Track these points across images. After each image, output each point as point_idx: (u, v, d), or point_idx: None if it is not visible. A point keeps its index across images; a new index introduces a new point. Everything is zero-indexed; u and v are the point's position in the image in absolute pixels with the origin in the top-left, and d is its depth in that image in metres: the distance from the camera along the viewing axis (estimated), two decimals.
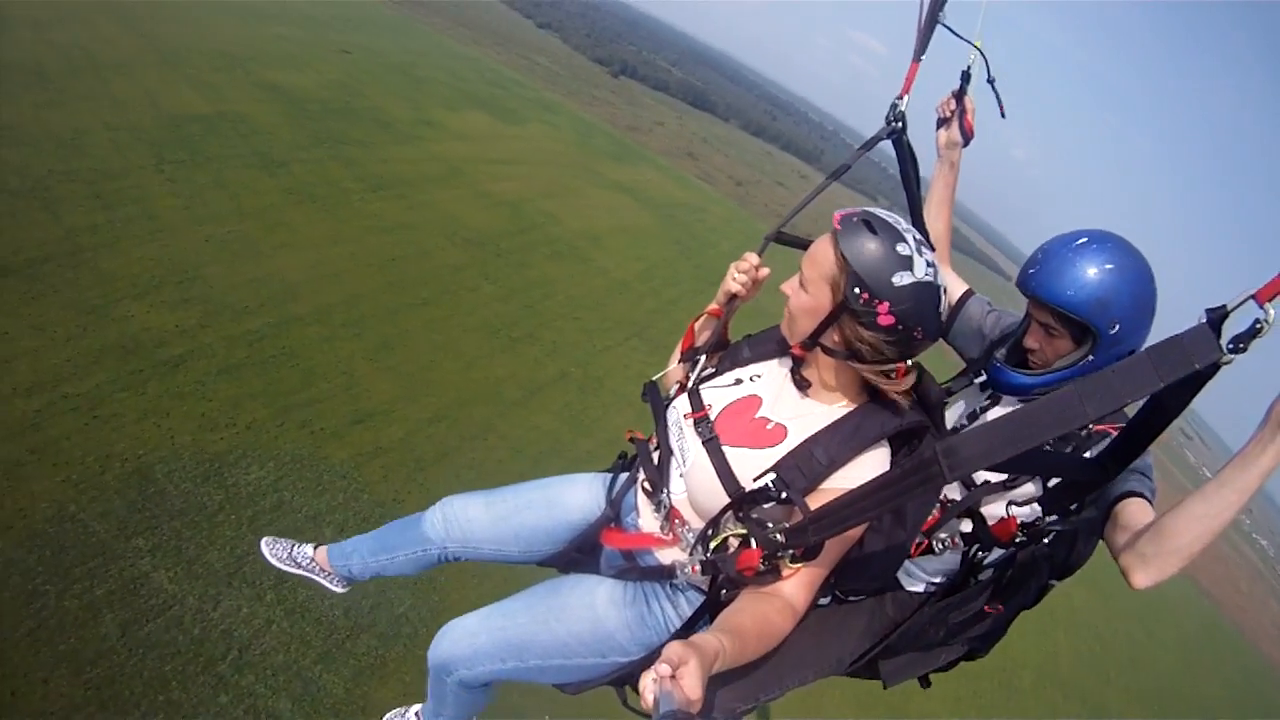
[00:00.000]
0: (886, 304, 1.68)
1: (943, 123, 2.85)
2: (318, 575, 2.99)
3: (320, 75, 22.21)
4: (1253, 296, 1.24)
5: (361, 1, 37.89)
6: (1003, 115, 2.74)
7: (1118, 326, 2.06)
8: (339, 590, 3.00)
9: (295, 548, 3.06)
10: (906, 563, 2.40)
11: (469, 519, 2.48)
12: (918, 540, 2.26)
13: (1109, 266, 2.06)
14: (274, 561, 3.04)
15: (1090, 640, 19.23)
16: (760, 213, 43.14)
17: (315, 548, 3.06)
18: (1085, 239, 2.13)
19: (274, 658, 7.24)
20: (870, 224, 1.71)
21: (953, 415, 2.52)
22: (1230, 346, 1.23)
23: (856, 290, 1.68)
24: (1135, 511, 2.00)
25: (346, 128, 19.44)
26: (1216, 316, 1.25)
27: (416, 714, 2.74)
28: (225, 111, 16.93)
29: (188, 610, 7.30)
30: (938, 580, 2.42)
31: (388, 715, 2.87)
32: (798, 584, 1.77)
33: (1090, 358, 2.11)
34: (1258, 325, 1.23)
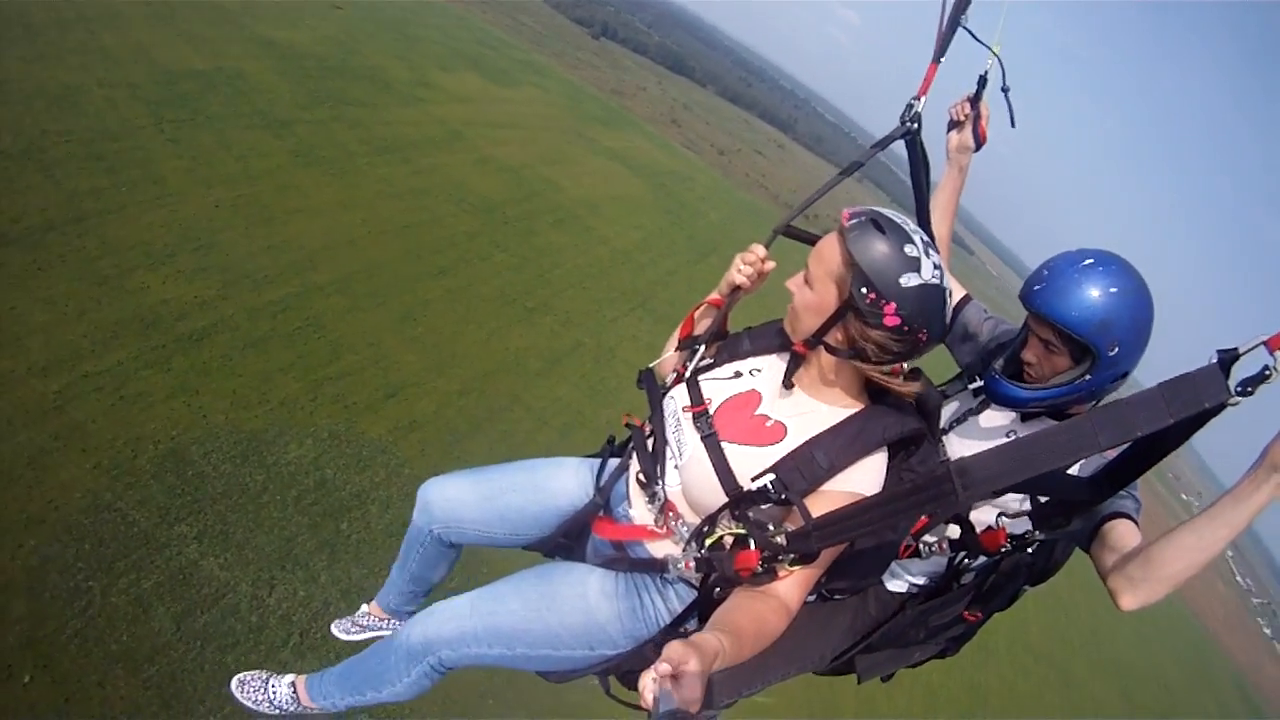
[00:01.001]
0: (893, 305, 1.63)
1: (954, 126, 2.75)
2: (381, 629, 2.93)
3: (315, 31, 21.29)
4: (1265, 343, 1.24)
5: None
6: (1013, 125, 2.68)
7: (1117, 349, 2.04)
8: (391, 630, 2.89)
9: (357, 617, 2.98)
10: (891, 563, 2.35)
11: (449, 498, 2.37)
12: (905, 543, 2.22)
13: (1113, 290, 2.03)
14: (341, 635, 2.95)
15: (1056, 610, 20.31)
16: (743, 183, 43.06)
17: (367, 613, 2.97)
18: (1091, 260, 2.10)
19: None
20: (879, 224, 1.66)
21: (943, 416, 2.46)
22: (1238, 389, 1.23)
23: (863, 290, 1.64)
24: (1124, 533, 1.98)
25: (346, 86, 18.71)
26: (1227, 358, 1.24)
27: (292, 685, 2.52)
28: (223, 67, 16.09)
29: (242, 597, 6.95)
30: (920, 582, 2.40)
31: (238, 677, 2.55)
32: (792, 584, 1.72)
33: (1087, 377, 2.09)
34: (1267, 372, 1.23)
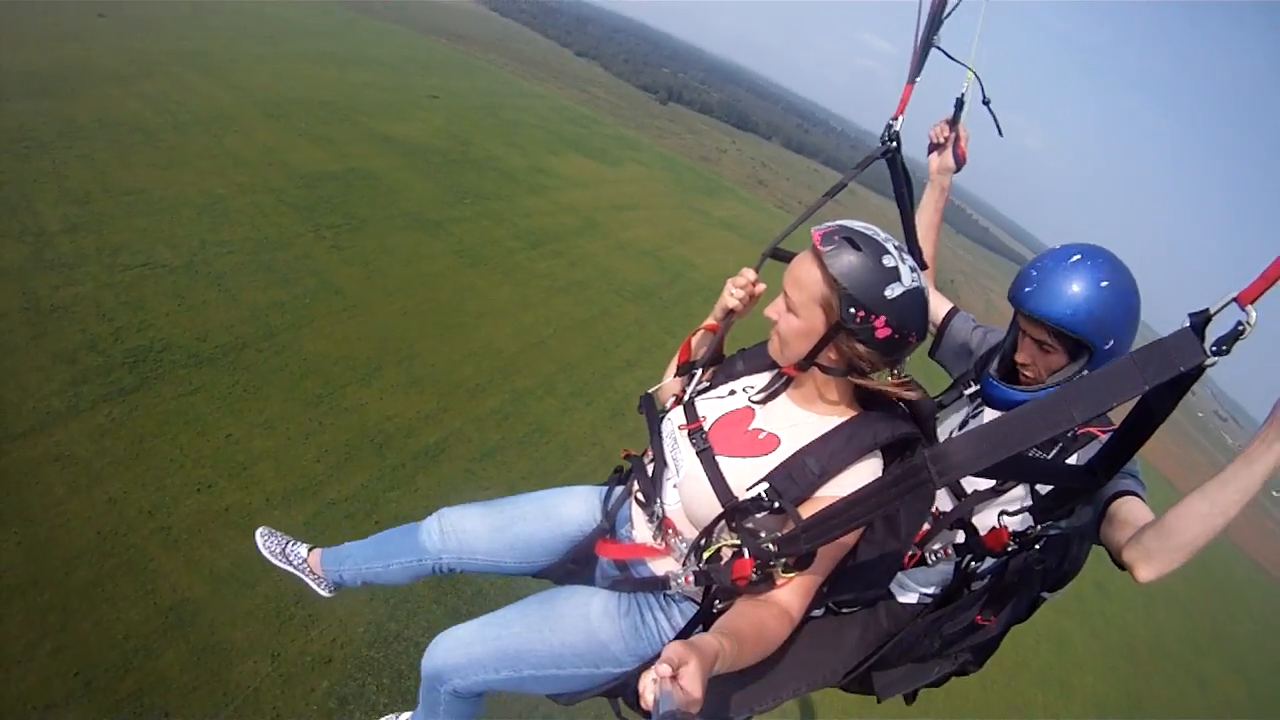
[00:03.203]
0: (883, 318, 1.80)
1: (935, 148, 2.98)
2: (306, 576, 3.19)
3: (425, 124, 22.53)
4: (1235, 300, 1.31)
5: (427, 44, 38.69)
6: (1000, 134, 2.89)
7: (1113, 342, 2.22)
8: (325, 594, 3.22)
9: (290, 545, 3.29)
10: (899, 574, 2.54)
11: (464, 530, 2.60)
12: (910, 552, 2.41)
13: (1104, 284, 2.21)
14: (265, 554, 3.26)
15: (1182, 618, 22.55)
16: None
17: (310, 549, 3.28)
18: (1078, 255, 2.27)
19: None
20: (853, 240, 1.82)
21: (944, 430, 2.69)
22: (1214, 349, 1.31)
23: (852, 310, 1.81)
24: (1134, 509, 2.10)
25: (476, 180, 19.65)
26: (1200, 320, 1.32)
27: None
28: (355, 168, 16.99)
29: (555, 706, 6.88)
30: (931, 591, 2.53)
31: None
32: (792, 591, 1.87)
33: (1084, 373, 2.25)
34: (1240, 327, 1.31)
